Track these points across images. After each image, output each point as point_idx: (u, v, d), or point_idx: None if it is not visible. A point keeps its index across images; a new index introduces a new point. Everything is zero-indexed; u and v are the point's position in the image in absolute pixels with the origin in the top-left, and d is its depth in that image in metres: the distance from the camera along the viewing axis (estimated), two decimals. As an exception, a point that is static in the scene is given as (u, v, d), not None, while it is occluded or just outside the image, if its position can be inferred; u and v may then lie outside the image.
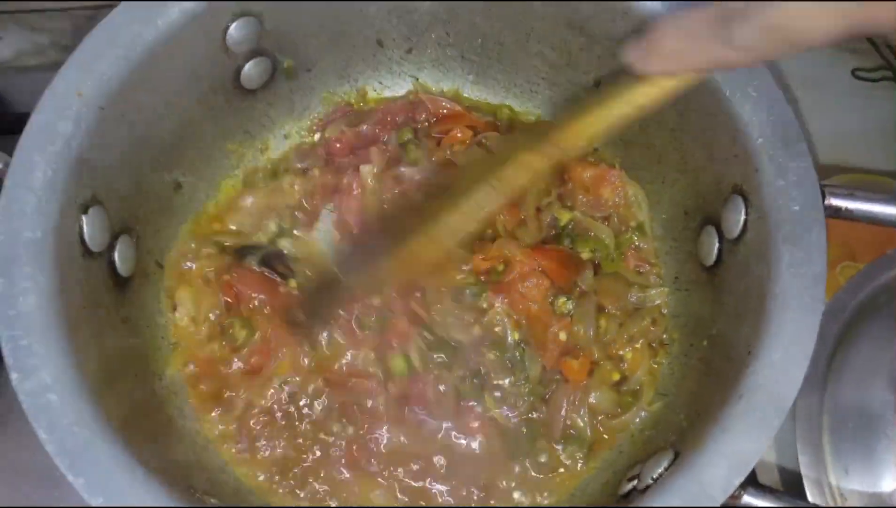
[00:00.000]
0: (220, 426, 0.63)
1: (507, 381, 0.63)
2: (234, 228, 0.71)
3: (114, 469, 0.44)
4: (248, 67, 0.68)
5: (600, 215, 0.71)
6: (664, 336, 0.67)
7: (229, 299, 0.66)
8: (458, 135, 0.73)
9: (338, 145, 0.74)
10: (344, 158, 0.73)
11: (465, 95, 0.79)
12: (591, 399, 0.64)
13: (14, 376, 0.45)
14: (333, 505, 0.61)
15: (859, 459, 0.70)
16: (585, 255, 0.68)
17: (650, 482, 0.49)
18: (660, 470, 0.49)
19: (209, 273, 0.67)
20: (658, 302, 0.68)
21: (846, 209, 0.52)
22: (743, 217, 0.57)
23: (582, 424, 0.64)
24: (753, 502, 0.45)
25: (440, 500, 0.62)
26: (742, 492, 0.44)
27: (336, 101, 0.77)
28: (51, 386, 0.45)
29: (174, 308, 0.66)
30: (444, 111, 0.76)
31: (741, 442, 0.45)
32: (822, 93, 0.95)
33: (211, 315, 0.65)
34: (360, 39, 0.74)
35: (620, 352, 0.66)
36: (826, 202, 0.53)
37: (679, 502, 0.44)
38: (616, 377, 0.66)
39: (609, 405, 0.64)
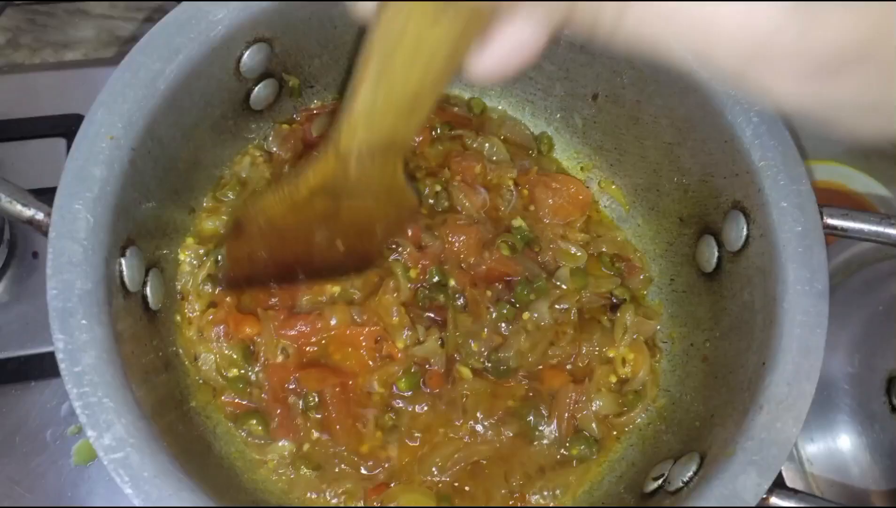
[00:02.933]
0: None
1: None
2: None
3: (199, 515, 0.46)
4: (258, 90, 0.69)
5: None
6: (659, 333, 0.73)
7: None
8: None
9: (318, 140, 0.74)
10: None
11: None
12: (594, 406, 0.68)
13: (90, 433, 0.46)
14: (360, 506, 0.64)
15: (822, 427, 0.78)
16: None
17: (681, 484, 0.54)
18: (689, 474, 0.54)
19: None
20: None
21: (842, 228, 0.58)
22: (745, 232, 0.62)
23: (589, 423, 0.68)
24: (781, 503, 0.51)
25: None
26: (770, 495, 0.50)
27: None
28: (126, 440, 0.47)
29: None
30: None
31: (766, 450, 0.51)
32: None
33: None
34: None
35: (611, 355, 0.70)
36: (824, 222, 0.58)
37: (716, 504, 0.50)
38: (613, 379, 0.70)
39: (613, 407, 0.68)
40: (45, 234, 0.52)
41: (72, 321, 0.49)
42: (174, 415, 0.59)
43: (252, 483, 0.63)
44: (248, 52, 0.64)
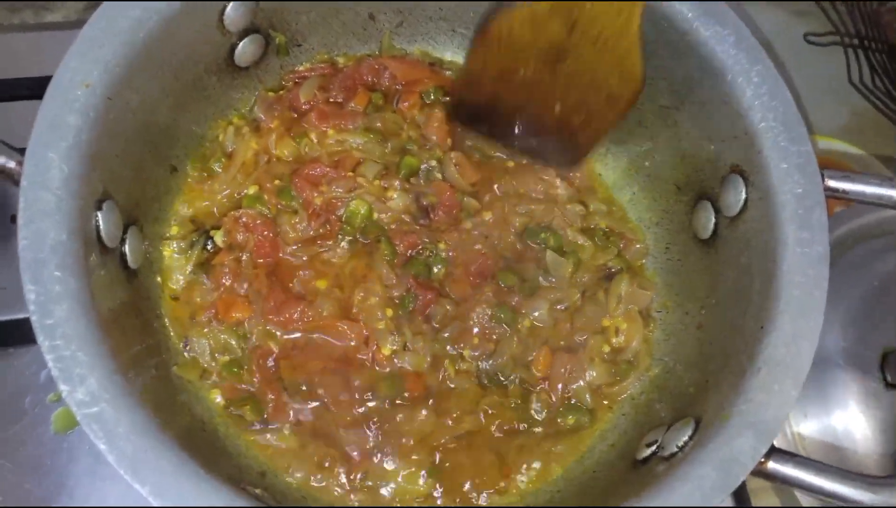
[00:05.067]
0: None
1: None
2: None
3: (176, 473, 0.44)
4: (242, 45, 0.67)
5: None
6: (653, 303, 0.71)
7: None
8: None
9: (305, 107, 0.72)
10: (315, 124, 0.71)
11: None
12: (587, 377, 0.67)
13: (63, 387, 0.44)
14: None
15: (816, 403, 0.77)
16: None
17: (675, 450, 0.53)
18: (684, 439, 0.53)
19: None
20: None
21: (843, 190, 0.56)
22: (743, 196, 0.61)
23: (582, 393, 0.67)
24: (779, 468, 0.49)
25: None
26: (768, 459, 0.49)
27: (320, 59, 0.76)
28: (100, 395, 0.45)
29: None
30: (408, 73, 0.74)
31: (764, 412, 0.50)
32: (775, 57, 1.00)
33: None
34: (351, 14, 0.72)
35: (605, 324, 0.69)
36: (825, 184, 0.57)
37: (711, 469, 0.48)
38: (606, 349, 0.68)
39: (606, 377, 0.67)
40: (17, 183, 0.49)
41: (44, 272, 0.47)
42: (153, 376, 0.57)
43: (235, 448, 0.61)
44: (231, 4, 0.62)
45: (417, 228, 0.67)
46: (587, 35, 0.58)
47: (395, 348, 0.64)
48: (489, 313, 0.65)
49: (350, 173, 0.67)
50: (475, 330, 0.65)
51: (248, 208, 0.66)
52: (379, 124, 0.71)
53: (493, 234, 0.69)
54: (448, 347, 0.65)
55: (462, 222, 0.68)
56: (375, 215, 0.67)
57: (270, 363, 0.63)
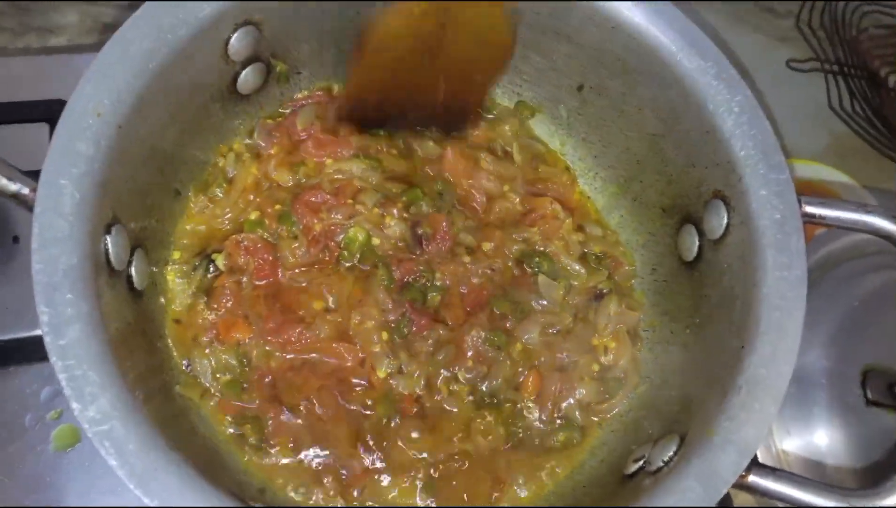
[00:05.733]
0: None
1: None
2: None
3: (184, 488, 0.46)
4: (245, 74, 0.69)
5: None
6: (641, 323, 0.74)
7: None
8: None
9: (303, 136, 0.74)
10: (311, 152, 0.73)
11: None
12: (577, 395, 0.69)
13: (75, 406, 0.46)
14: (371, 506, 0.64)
15: (798, 420, 0.79)
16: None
17: (661, 464, 0.55)
18: (669, 454, 0.55)
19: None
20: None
21: (820, 216, 0.59)
22: (725, 221, 0.63)
23: (572, 411, 0.69)
24: (760, 481, 0.52)
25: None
26: (748, 473, 0.51)
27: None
28: (111, 413, 0.47)
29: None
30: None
31: (745, 429, 0.52)
32: (758, 82, 1.03)
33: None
34: (349, 43, 0.75)
35: (594, 344, 0.71)
36: (802, 210, 0.60)
37: (695, 482, 0.51)
38: (596, 367, 0.70)
39: (595, 395, 0.69)
40: (31, 209, 0.51)
41: (56, 296, 0.49)
42: (157, 393, 0.59)
43: (235, 465, 0.63)
44: (236, 35, 0.64)
45: (413, 256, 0.69)
46: (460, 28, 0.63)
47: (390, 370, 0.66)
48: (483, 336, 0.67)
49: (350, 201, 0.69)
50: (469, 353, 0.67)
51: (249, 232, 0.68)
52: (372, 151, 0.73)
53: (491, 265, 0.71)
54: (442, 370, 0.67)
55: (460, 257, 0.70)
56: (374, 241, 0.69)
57: (269, 381, 0.65)
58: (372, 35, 0.63)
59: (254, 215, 0.69)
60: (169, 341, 0.65)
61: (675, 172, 0.70)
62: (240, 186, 0.71)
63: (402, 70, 0.66)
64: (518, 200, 0.75)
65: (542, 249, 0.72)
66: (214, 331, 0.65)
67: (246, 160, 0.72)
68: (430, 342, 0.67)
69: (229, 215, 0.70)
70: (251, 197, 0.70)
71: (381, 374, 0.66)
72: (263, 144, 0.73)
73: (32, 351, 0.71)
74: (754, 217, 0.60)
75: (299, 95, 0.77)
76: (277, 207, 0.69)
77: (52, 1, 0.93)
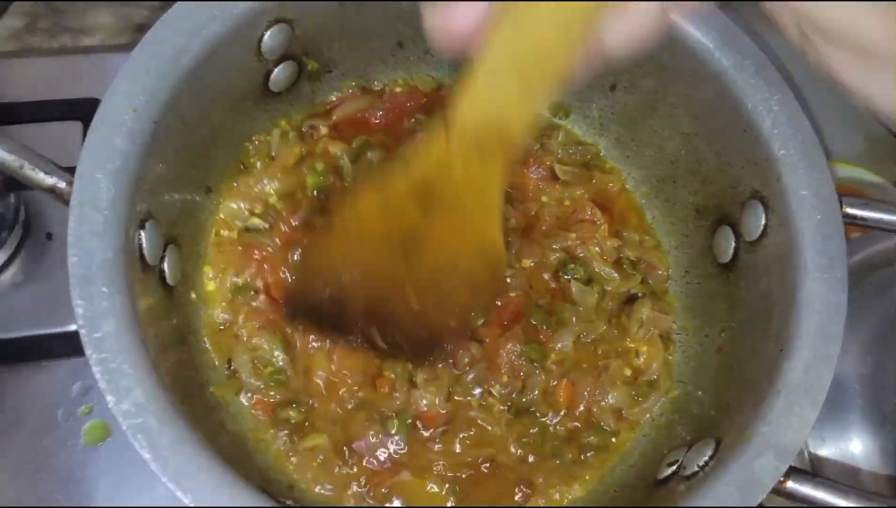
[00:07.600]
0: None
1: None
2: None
3: (217, 483, 0.46)
4: (277, 72, 0.69)
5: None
6: (673, 326, 0.72)
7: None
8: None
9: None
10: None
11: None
12: (609, 399, 0.68)
13: (110, 398, 0.46)
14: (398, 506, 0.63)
15: (833, 427, 0.78)
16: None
17: (696, 469, 0.54)
18: (705, 459, 0.54)
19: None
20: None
21: (861, 218, 0.58)
22: (763, 222, 0.62)
23: (604, 415, 0.68)
24: (798, 487, 0.50)
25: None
26: (787, 479, 0.50)
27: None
28: (145, 406, 0.47)
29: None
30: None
31: (783, 434, 0.51)
32: (794, 84, 1.01)
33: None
34: (381, 42, 0.75)
35: (626, 347, 0.70)
36: (844, 211, 0.58)
37: (733, 488, 0.50)
38: (628, 372, 0.69)
39: (627, 399, 0.68)
40: (67, 203, 0.52)
41: (91, 289, 0.49)
42: (189, 389, 0.59)
43: (263, 463, 0.63)
44: (269, 33, 0.64)
45: None
46: (448, 211, 0.49)
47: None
48: (518, 349, 0.66)
49: None
50: (503, 368, 0.66)
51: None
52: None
53: (530, 281, 0.69)
54: (475, 388, 0.66)
55: None
56: None
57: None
58: (344, 212, 0.53)
59: (319, 167, 0.70)
60: (204, 338, 0.65)
61: (710, 171, 0.69)
62: (281, 163, 0.71)
63: (369, 264, 0.53)
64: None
65: (580, 254, 0.71)
66: (256, 323, 0.65)
67: (290, 140, 0.72)
68: (463, 362, 0.66)
69: (267, 185, 0.69)
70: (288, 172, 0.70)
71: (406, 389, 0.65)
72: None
73: (64, 346, 0.71)
74: (794, 218, 0.59)
75: (333, 98, 0.77)
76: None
77: (86, 1, 0.94)
